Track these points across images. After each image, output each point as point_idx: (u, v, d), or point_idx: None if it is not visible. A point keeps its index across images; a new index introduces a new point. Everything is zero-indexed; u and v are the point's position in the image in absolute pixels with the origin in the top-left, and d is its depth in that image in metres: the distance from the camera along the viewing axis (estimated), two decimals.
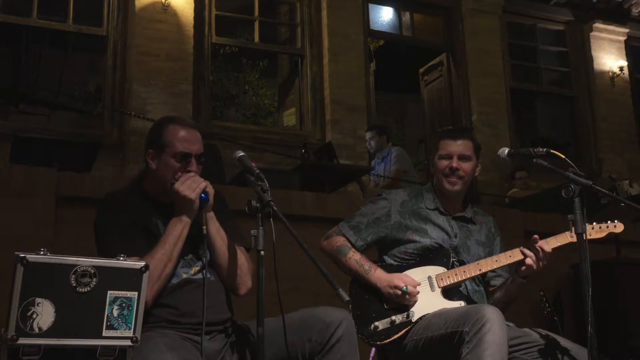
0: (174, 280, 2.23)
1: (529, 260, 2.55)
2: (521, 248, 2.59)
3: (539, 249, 2.55)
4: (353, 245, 2.74)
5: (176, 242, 2.18)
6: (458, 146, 2.74)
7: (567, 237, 2.58)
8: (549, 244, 2.57)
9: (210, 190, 2.25)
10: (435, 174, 2.80)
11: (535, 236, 2.57)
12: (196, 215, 2.24)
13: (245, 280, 2.31)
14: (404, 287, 2.56)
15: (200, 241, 2.23)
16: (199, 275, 2.25)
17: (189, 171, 2.26)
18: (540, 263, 2.56)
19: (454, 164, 2.72)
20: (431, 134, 9.13)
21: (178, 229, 2.20)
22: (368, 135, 7.07)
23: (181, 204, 2.22)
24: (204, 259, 2.23)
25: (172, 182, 2.24)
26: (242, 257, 2.32)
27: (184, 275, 2.25)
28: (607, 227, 2.64)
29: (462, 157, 2.73)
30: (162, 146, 2.30)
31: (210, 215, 2.28)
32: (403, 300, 2.58)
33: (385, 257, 2.78)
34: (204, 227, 2.21)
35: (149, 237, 2.22)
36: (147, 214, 2.30)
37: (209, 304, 2.19)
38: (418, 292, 2.59)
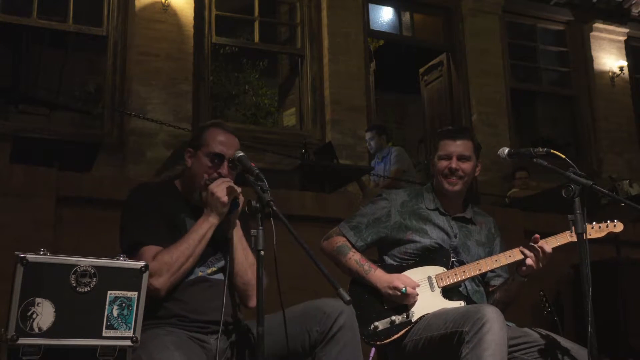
0: (189, 277, 2.25)
1: (529, 260, 2.55)
2: (521, 248, 2.59)
3: (539, 249, 2.55)
4: (353, 246, 2.74)
5: (200, 240, 2.22)
6: (457, 146, 2.74)
7: (566, 237, 2.58)
8: (548, 244, 2.57)
9: (242, 198, 2.28)
10: (435, 175, 2.80)
11: (536, 235, 2.57)
12: (223, 220, 2.27)
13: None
14: (403, 289, 2.56)
15: (222, 246, 2.29)
16: (215, 276, 2.29)
17: (220, 173, 2.31)
18: (541, 263, 2.56)
19: (454, 165, 2.72)
20: (431, 134, 9.13)
21: (205, 228, 2.23)
22: (368, 135, 7.07)
23: (212, 205, 2.25)
24: (226, 265, 2.27)
25: (206, 181, 2.29)
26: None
27: (200, 274, 2.28)
28: (607, 226, 2.64)
29: (462, 158, 2.73)
30: (199, 145, 2.37)
31: (237, 223, 2.33)
32: (402, 301, 2.58)
33: (385, 257, 2.78)
34: (231, 231, 2.27)
35: (173, 232, 2.25)
36: (176, 210, 2.34)
37: (218, 304, 2.22)
38: (417, 294, 2.59)
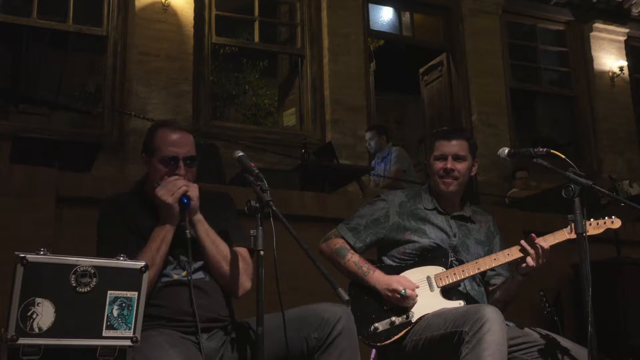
0: (165, 280, 2.24)
1: (529, 258, 2.55)
2: (521, 242, 2.59)
3: (538, 246, 2.55)
4: (352, 247, 2.74)
5: (159, 247, 2.20)
6: (452, 147, 2.74)
7: (564, 234, 2.58)
8: (546, 242, 2.57)
9: (193, 194, 2.25)
10: (431, 175, 2.80)
11: (532, 235, 2.57)
12: (182, 219, 2.23)
13: (241, 282, 2.31)
14: (403, 291, 2.56)
15: (192, 245, 2.23)
16: (193, 277, 2.25)
17: (178, 174, 2.27)
18: (540, 260, 2.55)
19: (449, 165, 2.72)
20: (430, 134, 9.12)
21: (161, 234, 2.22)
22: (367, 135, 7.07)
23: (162, 209, 2.24)
24: (188, 266, 2.22)
25: (156, 186, 2.26)
26: (237, 259, 2.31)
27: (175, 277, 2.26)
28: (605, 223, 2.64)
29: (457, 158, 2.73)
30: (152, 151, 2.33)
31: (198, 218, 2.28)
32: (402, 303, 2.58)
33: (384, 258, 2.78)
34: (187, 230, 2.21)
35: (140, 240, 2.24)
36: (141, 217, 2.31)
37: (204, 303, 2.21)
38: (417, 295, 2.59)
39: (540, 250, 2.55)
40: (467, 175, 2.77)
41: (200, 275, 2.29)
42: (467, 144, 2.77)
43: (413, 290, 2.58)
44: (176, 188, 2.22)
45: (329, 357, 2.13)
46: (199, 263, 2.30)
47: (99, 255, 2.18)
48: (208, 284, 2.29)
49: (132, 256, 2.10)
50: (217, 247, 2.29)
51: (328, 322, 2.15)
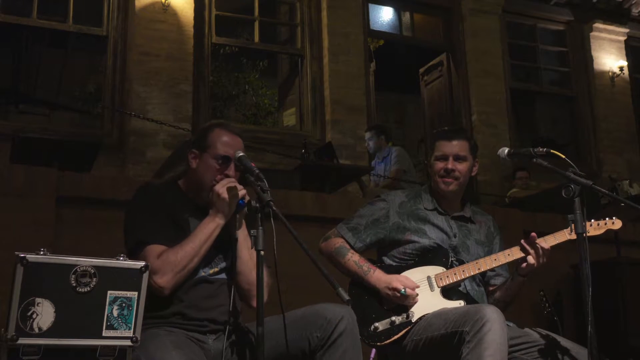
0: (192, 276, 2.25)
1: (530, 258, 2.55)
2: (521, 242, 2.59)
3: (538, 246, 2.55)
4: (352, 247, 2.74)
5: (206, 240, 2.22)
6: (453, 147, 2.74)
7: (565, 235, 2.58)
8: (547, 242, 2.57)
9: (247, 199, 2.28)
10: (432, 175, 2.80)
11: (533, 234, 2.57)
12: (229, 220, 2.27)
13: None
14: (403, 290, 2.56)
15: (226, 246, 2.29)
16: (217, 276, 2.29)
17: (227, 175, 2.31)
18: (540, 260, 2.56)
19: (449, 165, 2.72)
20: (431, 134, 9.13)
21: (210, 228, 2.24)
22: (367, 135, 7.07)
23: (218, 206, 2.25)
24: (228, 263, 2.27)
25: (212, 183, 2.29)
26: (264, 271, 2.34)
27: (202, 273, 2.28)
28: (605, 223, 2.64)
29: (458, 158, 2.73)
30: (205, 147, 2.36)
31: (242, 223, 2.33)
32: (402, 302, 2.58)
33: (385, 258, 2.78)
34: (237, 231, 2.27)
35: (177, 232, 2.25)
36: (180, 210, 2.34)
37: (219, 303, 2.23)
38: (417, 294, 2.59)
39: (540, 250, 2.55)
40: (467, 176, 2.77)
41: (222, 276, 2.31)
42: (467, 144, 2.77)
43: (413, 289, 2.58)
44: (237, 189, 2.26)
45: (331, 356, 2.13)
46: (223, 264, 2.33)
47: (131, 237, 2.22)
48: (227, 285, 2.31)
49: (170, 244, 2.17)
50: (252, 253, 2.29)
51: (330, 321, 2.15)
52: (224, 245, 2.31)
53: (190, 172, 2.40)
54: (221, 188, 2.25)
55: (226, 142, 2.34)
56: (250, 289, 2.31)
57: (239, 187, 2.28)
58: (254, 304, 2.30)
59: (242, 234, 2.32)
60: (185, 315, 2.21)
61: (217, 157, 2.33)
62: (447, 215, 2.79)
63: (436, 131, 2.93)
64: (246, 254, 2.31)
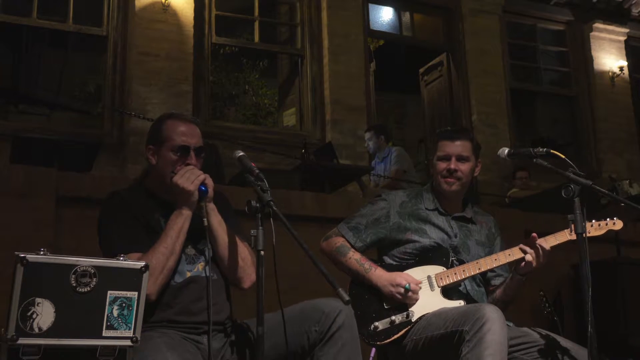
0: (178, 279, 2.23)
1: (528, 257, 2.55)
2: (521, 245, 2.59)
3: (539, 247, 2.55)
4: (352, 246, 2.74)
5: (178, 236, 2.19)
6: (456, 147, 2.74)
7: (565, 235, 2.58)
8: (547, 242, 2.57)
9: (209, 182, 2.26)
10: (434, 175, 2.80)
11: (534, 234, 2.57)
12: (197, 208, 2.24)
13: (249, 273, 2.31)
14: (407, 285, 2.56)
15: (202, 235, 2.23)
16: (203, 274, 2.26)
17: (188, 164, 2.28)
18: (540, 260, 2.55)
19: (452, 166, 2.72)
20: (431, 134, 9.13)
21: (179, 223, 2.21)
22: (366, 135, 7.07)
23: (180, 197, 2.23)
24: (207, 253, 2.22)
25: (171, 175, 2.26)
26: (245, 250, 2.32)
27: (188, 274, 2.26)
28: (607, 224, 2.64)
29: (460, 158, 2.73)
30: (161, 141, 2.33)
31: (212, 207, 2.29)
32: (404, 299, 2.58)
33: (385, 258, 2.78)
34: (204, 219, 2.21)
35: (151, 234, 2.23)
36: (149, 211, 2.31)
37: (212, 302, 2.20)
38: (420, 289, 2.59)
39: (540, 251, 2.55)
40: (470, 176, 2.77)
41: (209, 272, 2.28)
42: (470, 145, 2.76)
43: (417, 285, 2.58)
44: (195, 176, 2.23)
45: (330, 350, 2.14)
46: (204, 257, 2.29)
47: (107, 252, 2.18)
48: (216, 282, 2.28)
49: (145, 249, 2.13)
50: (228, 237, 2.29)
51: (328, 315, 2.15)
52: (201, 238, 2.25)
53: (152, 169, 2.37)
54: (180, 178, 2.22)
55: (182, 132, 2.31)
56: (235, 272, 2.29)
57: (198, 172, 2.24)
58: (245, 285, 2.30)
59: (216, 219, 2.28)
60: (177, 321, 2.19)
61: (174, 148, 2.30)
62: (448, 215, 2.78)
63: (439, 131, 2.92)
64: (224, 238, 2.27)
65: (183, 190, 2.21)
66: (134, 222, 2.26)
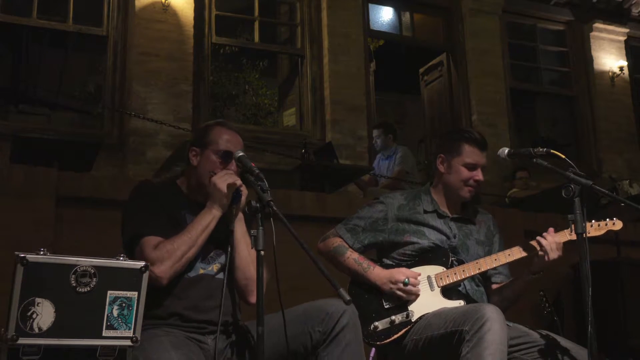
0: (191, 274, 2.26)
1: (541, 251, 2.53)
2: (538, 238, 2.57)
3: (553, 241, 2.54)
4: (350, 247, 2.74)
5: (203, 230, 2.23)
6: (484, 158, 2.73)
7: (565, 235, 2.58)
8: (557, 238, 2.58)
9: (245, 191, 2.30)
10: (453, 179, 2.74)
11: (550, 229, 2.56)
12: (227, 212, 2.28)
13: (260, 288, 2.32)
14: (406, 280, 2.56)
15: (224, 241, 2.28)
16: (218, 275, 2.29)
17: (228, 169, 2.32)
18: (556, 253, 2.53)
19: (481, 177, 2.72)
20: (431, 134, 9.13)
21: (207, 219, 2.24)
22: (374, 133, 7.09)
23: (214, 196, 2.26)
24: (227, 256, 2.27)
25: (210, 175, 2.31)
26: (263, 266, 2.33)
27: (201, 271, 2.28)
28: (606, 224, 2.65)
29: (483, 168, 2.74)
30: (206, 144, 2.39)
31: (240, 217, 2.33)
32: (404, 295, 2.57)
33: (384, 259, 2.78)
34: (235, 225, 2.28)
35: (175, 226, 2.26)
36: (176, 206, 2.35)
37: (218, 303, 2.21)
38: (419, 282, 2.59)
39: (554, 244, 2.54)
40: None
41: (220, 275, 2.31)
42: None
43: (416, 278, 2.58)
44: (233, 179, 2.27)
45: (334, 350, 2.14)
46: (222, 260, 2.32)
47: (128, 235, 2.22)
48: (229, 285, 2.30)
49: (167, 235, 2.17)
50: (249, 250, 2.31)
51: (332, 316, 2.16)
52: (223, 242, 2.31)
53: (190, 170, 2.41)
54: (218, 179, 2.26)
55: (227, 139, 2.38)
56: (247, 284, 2.31)
57: (236, 178, 2.29)
58: (252, 300, 2.31)
59: (240, 229, 2.32)
60: (184, 316, 2.20)
61: (218, 152, 2.35)
62: (447, 217, 2.78)
63: (467, 135, 2.78)
64: (244, 250, 2.31)
65: (219, 190, 2.25)
66: (160, 210, 2.29)
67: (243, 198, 2.29)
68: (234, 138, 2.39)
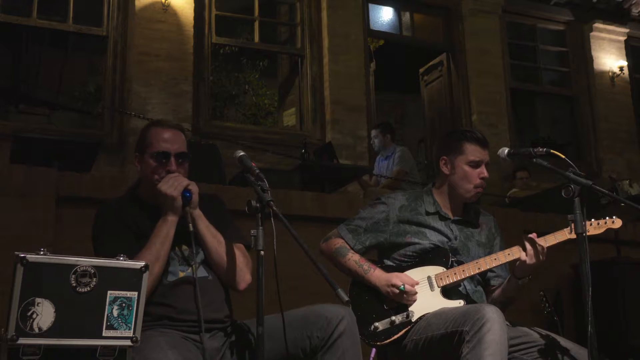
0: (171, 278, 2.26)
1: (523, 255, 2.53)
2: (525, 239, 2.58)
3: (537, 245, 2.53)
4: (352, 249, 2.74)
5: (163, 242, 2.22)
6: (486, 154, 2.72)
7: (565, 234, 2.57)
8: (547, 242, 2.57)
9: (194, 189, 2.29)
10: (458, 178, 2.73)
11: (534, 234, 2.56)
12: (183, 214, 2.27)
13: (242, 275, 2.33)
14: (402, 286, 2.56)
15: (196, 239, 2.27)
16: (200, 275, 2.28)
17: (169, 171, 2.31)
18: (540, 257, 2.54)
19: (487, 173, 2.71)
20: (431, 134, 9.13)
21: (164, 229, 2.24)
22: (373, 133, 7.09)
23: (165, 203, 2.26)
24: (194, 257, 2.26)
25: (156, 182, 2.30)
26: (237, 252, 2.34)
27: (181, 274, 2.28)
28: (605, 223, 2.64)
29: (487, 165, 2.73)
30: (144, 148, 2.38)
31: (198, 213, 2.32)
32: (401, 299, 2.58)
33: (385, 260, 2.78)
34: (190, 224, 2.25)
35: (141, 240, 2.25)
36: (140, 218, 2.34)
37: (206, 301, 2.22)
38: (416, 292, 2.59)
39: (539, 247, 2.54)
40: None
41: (203, 273, 2.31)
42: None
43: (412, 286, 2.58)
44: (178, 182, 2.26)
45: (332, 356, 2.14)
46: (201, 257, 2.32)
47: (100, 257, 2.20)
48: (211, 282, 2.30)
49: (135, 254, 2.14)
50: (218, 241, 2.31)
51: (330, 322, 2.16)
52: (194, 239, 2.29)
53: (141, 176, 2.41)
54: (163, 185, 2.26)
55: (164, 138, 2.35)
56: (228, 275, 2.32)
57: (182, 179, 2.28)
58: (240, 287, 2.32)
59: (202, 224, 2.31)
60: (174, 319, 2.21)
61: (153, 155, 2.34)
62: (449, 219, 2.77)
63: (468, 133, 2.78)
64: (212, 243, 2.30)
65: (167, 197, 2.25)
66: (124, 229, 2.29)
67: (194, 196, 2.29)
68: (172, 136, 2.36)
